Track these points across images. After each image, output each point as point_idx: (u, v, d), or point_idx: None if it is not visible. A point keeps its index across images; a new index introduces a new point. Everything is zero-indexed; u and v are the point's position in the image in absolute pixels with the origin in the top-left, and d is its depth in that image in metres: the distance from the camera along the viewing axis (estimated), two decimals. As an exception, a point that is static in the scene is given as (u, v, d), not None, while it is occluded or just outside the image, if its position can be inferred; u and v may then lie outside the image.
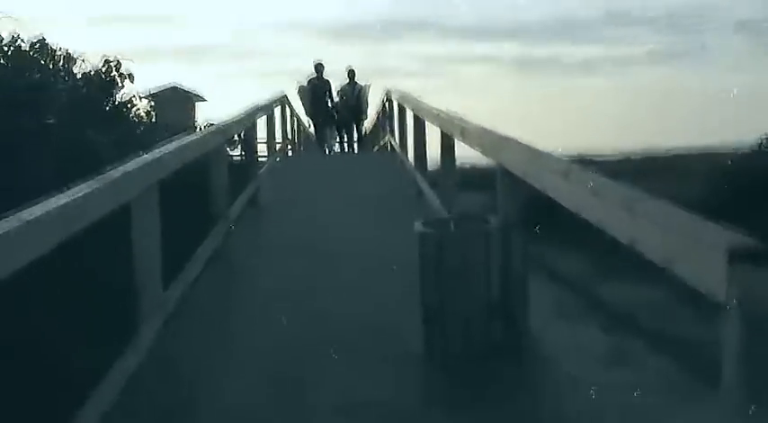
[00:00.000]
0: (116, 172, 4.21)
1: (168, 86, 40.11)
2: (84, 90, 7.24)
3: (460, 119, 6.63)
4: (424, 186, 9.53)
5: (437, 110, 8.18)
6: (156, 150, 5.08)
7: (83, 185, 3.68)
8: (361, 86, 18.71)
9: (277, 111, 15.12)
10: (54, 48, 8.88)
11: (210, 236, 6.71)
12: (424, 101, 9.92)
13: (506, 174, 4.74)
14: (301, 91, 18.04)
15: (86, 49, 8.60)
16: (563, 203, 3.53)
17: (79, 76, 7.78)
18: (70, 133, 6.05)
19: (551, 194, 3.74)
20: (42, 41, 8.86)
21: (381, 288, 6.14)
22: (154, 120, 12.13)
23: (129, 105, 9.00)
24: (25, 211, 3.04)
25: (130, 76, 8.18)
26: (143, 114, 10.91)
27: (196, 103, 41.23)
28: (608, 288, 8.24)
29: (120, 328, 4.61)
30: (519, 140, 4.70)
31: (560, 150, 5.10)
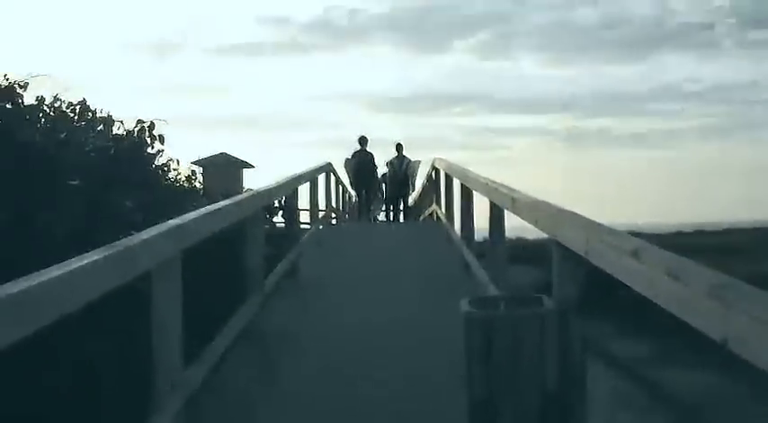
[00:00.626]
0: (130, 240, 3.81)
1: (216, 153, 40.48)
2: (113, 151, 6.90)
3: (511, 188, 6.18)
4: (471, 259, 9.06)
5: (485, 179, 7.75)
6: (182, 217, 4.68)
7: (89, 255, 3.28)
8: (410, 161, 19.11)
9: (321, 178, 14.81)
10: (94, 110, 8.64)
11: (241, 311, 6.26)
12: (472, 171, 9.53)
13: (563, 250, 4.27)
14: (347, 164, 18.63)
15: (133, 116, 8.34)
16: (634, 287, 3.04)
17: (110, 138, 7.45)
18: (92, 196, 5.69)
19: (619, 276, 3.25)
20: (83, 103, 8.62)
21: (423, 375, 5.63)
22: (198, 186, 11.87)
23: (165, 169, 8.69)
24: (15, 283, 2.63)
25: (161, 138, 7.84)
26: (184, 180, 10.62)
27: (244, 171, 41.46)
28: (673, 375, 7.58)
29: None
30: (577, 213, 4.24)
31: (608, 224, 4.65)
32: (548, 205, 4.81)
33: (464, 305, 4.46)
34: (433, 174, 16.44)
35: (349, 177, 19.10)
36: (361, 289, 8.88)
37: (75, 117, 8.41)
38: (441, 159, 14.48)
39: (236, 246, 6.87)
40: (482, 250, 9.08)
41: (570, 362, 4.32)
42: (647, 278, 2.88)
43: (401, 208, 19.62)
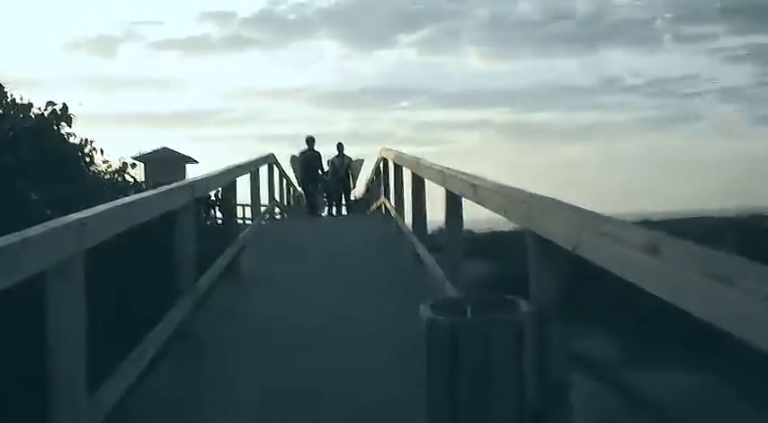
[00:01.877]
0: (13, 237, 3.04)
1: (158, 148, 39.27)
2: (11, 134, 6.04)
3: (471, 175, 5.50)
4: (424, 253, 8.39)
5: (440, 166, 7.07)
6: (88, 210, 3.90)
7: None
8: (350, 159, 20.15)
9: (263, 170, 14.03)
10: (11, 97, 7.71)
11: (167, 316, 5.47)
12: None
13: (542, 243, 3.60)
14: (293, 161, 19.61)
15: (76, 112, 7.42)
16: (652, 290, 2.37)
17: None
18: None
19: (627, 276, 2.59)
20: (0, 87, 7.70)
21: (374, 389, 4.95)
22: (136, 181, 10.99)
23: (87, 160, 7.80)
24: None
25: (68, 119, 6.97)
26: (114, 173, 9.72)
27: (187, 167, 40.33)
28: (653, 377, 6.96)
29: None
30: (560, 200, 3.57)
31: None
32: (520, 192, 4.13)
33: (425, 310, 3.76)
34: (381, 164, 15.75)
35: (295, 174, 19.86)
36: (304, 287, 8.19)
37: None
38: (388, 149, 13.78)
39: (163, 242, 6.09)
40: (435, 244, 8.43)
41: (552, 375, 3.67)
42: (674, 281, 2.21)
43: (343, 203, 20.42)
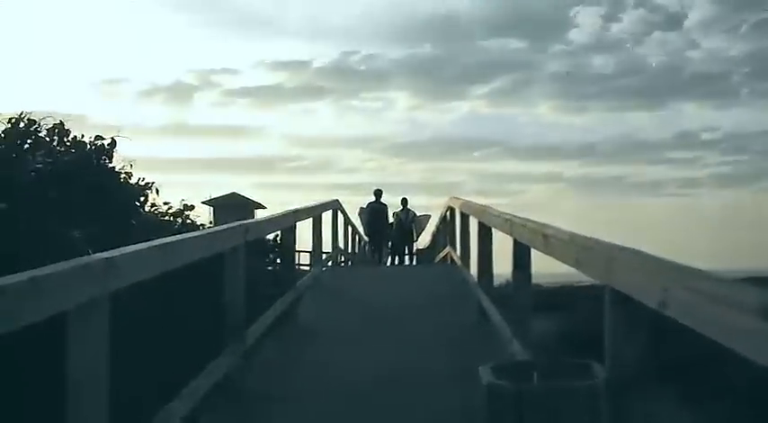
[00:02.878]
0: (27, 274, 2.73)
1: (227, 193, 39.53)
2: (57, 168, 5.79)
3: (542, 223, 5.05)
4: (489, 306, 7.93)
5: (509, 214, 6.64)
6: (116, 250, 3.57)
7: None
8: (414, 213, 20.89)
9: (327, 216, 13.74)
10: (67, 129, 7.52)
11: (207, 368, 5.09)
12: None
13: (622, 300, 3.15)
14: (361, 212, 20.16)
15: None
16: (760, 360, 1.92)
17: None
18: (23, 223, 4.61)
19: (727, 342, 2.13)
20: (61, 125, 7.53)
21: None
22: (198, 224, 10.78)
23: (142, 199, 7.57)
24: None
25: (108, 153, 6.71)
26: (172, 215, 9.48)
27: (256, 211, 40.44)
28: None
29: None
30: (643, 251, 3.12)
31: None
32: (598, 242, 3.68)
33: (485, 373, 3.32)
34: (448, 213, 15.36)
35: (362, 224, 20.41)
36: (361, 341, 7.76)
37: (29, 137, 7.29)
38: (456, 198, 13.41)
39: (210, 287, 5.76)
40: (502, 296, 7.96)
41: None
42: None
43: (406, 254, 21.09)
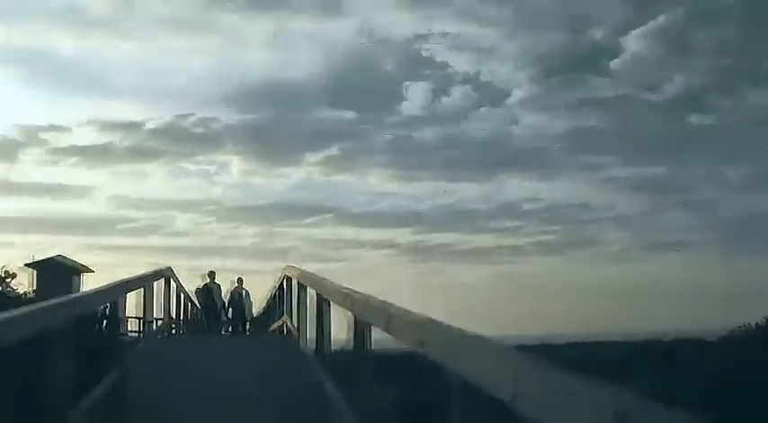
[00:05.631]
0: None
1: (52, 256, 37.52)
2: None
3: (385, 302, 4.96)
4: (326, 381, 7.77)
5: (347, 288, 6.54)
6: None
7: None
8: (248, 291, 23.17)
9: (158, 285, 13.25)
10: None
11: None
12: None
13: (469, 390, 3.08)
14: (197, 293, 22.05)
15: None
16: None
17: None
18: None
19: None
20: None
21: None
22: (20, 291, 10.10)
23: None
24: None
25: None
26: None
27: (82, 275, 38.60)
28: None
29: None
30: (493, 340, 3.08)
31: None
32: (442, 325, 3.62)
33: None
34: (284, 282, 15.16)
35: (199, 304, 22.36)
36: (195, 417, 7.42)
37: None
38: (292, 267, 13.31)
39: (31, 370, 5.33)
40: (340, 367, 7.82)
41: None
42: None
43: (244, 326, 23.19)
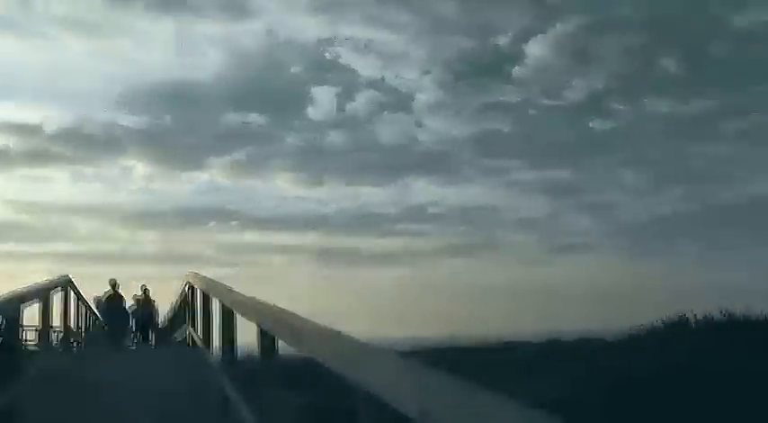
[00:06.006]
0: None
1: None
2: None
3: (293, 314, 4.88)
4: (231, 394, 7.62)
5: (254, 300, 6.41)
6: None
7: None
8: (153, 301, 22.76)
9: (58, 297, 12.81)
10: None
11: None
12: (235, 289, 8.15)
13: (377, 406, 3.04)
14: (98, 303, 21.19)
15: None
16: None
17: None
18: None
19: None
20: None
21: None
22: None
23: None
24: None
25: None
26: None
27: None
28: None
29: None
30: (405, 359, 3.04)
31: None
32: (350, 339, 3.57)
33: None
34: (188, 291, 14.79)
35: (100, 314, 21.56)
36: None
37: None
38: (196, 275, 12.87)
39: None
40: (246, 376, 7.66)
41: None
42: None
43: (151, 338, 22.88)
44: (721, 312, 20.09)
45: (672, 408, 13.75)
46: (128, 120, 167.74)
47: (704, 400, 13.30)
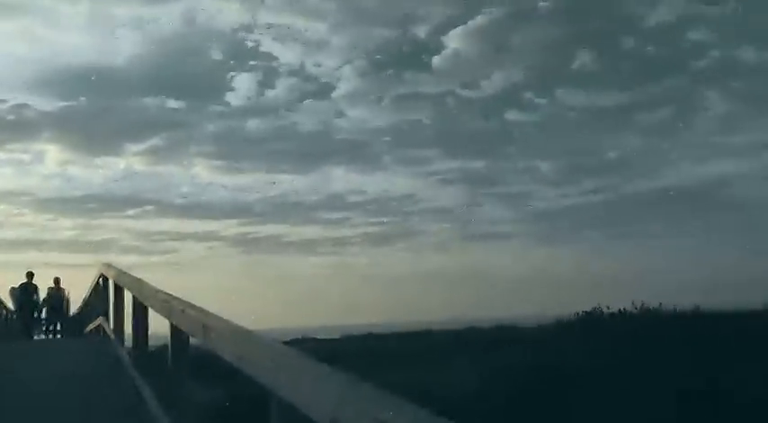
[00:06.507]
0: None
1: None
2: None
3: (205, 311, 4.75)
4: (142, 386, 7.45)
5: (166, 295, 6.23)
6: None
7: None
8: (65, 290, 22.98)
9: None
10: None
11: None
12: (145, 278, 7.95)
13: (287, 411, 2.96)
14: (12, 292, 21.39)
15: None
16: None
17: None
18: None
19: None
20: None
21: None
22: None
23: None
24: None
25: None
26: None
27: None
28: None
29: None
30: (319, 363, 2.96)
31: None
32: (262, 340, 3.47)
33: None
34: (101, 281, 14.46)
35: (13, 303, 21.56)
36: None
37: None
38: (109, 266, 12.57)
39: None
40: (155, 367, 7.50)
41: None
42: None
43: (58, 329, 23.04)
44: (633, 304, 20.83)
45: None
46: (40, 103, 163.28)
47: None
